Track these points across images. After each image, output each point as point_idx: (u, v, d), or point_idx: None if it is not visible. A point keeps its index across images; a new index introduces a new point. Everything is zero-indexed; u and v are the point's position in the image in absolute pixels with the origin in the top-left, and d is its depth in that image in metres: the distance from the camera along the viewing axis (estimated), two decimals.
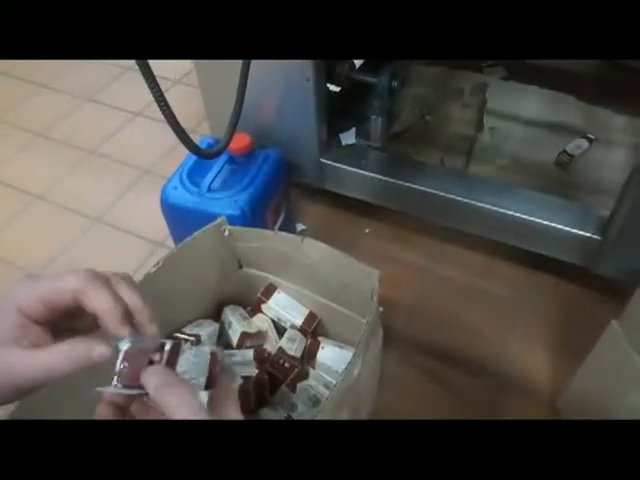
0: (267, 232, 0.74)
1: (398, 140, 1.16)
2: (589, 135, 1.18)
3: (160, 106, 0.63)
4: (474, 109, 1.27)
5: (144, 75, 0.59)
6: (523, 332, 0.98)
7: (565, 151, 1.15)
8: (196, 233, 0.69)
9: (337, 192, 1.07)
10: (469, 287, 1.05)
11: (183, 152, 0.79)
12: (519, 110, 1.27)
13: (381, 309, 1.02)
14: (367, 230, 1.15)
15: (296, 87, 0.91)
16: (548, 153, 1.16)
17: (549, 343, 0.95)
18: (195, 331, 0.72)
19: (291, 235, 0.72)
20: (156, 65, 1.72)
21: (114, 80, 1.57)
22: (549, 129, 1.23)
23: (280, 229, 1.01)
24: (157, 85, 0.62)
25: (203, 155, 0.72)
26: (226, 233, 0.73)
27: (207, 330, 0.74)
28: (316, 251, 0.71)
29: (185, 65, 1.52)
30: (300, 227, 1.16)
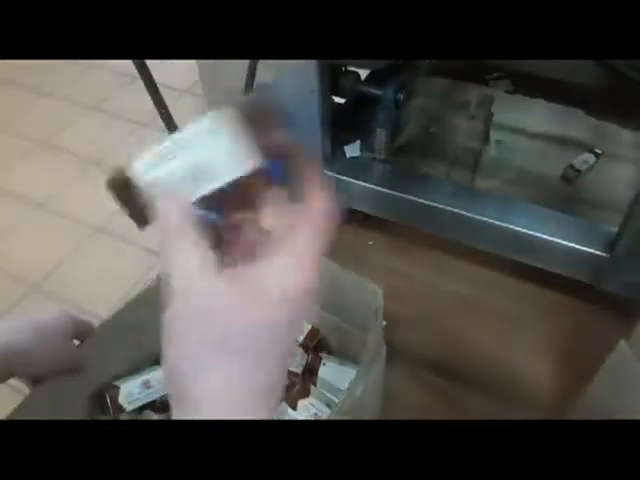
0: None
1: (404, 152, 1.15)
2: (596, 150, 1.17)
3: (160, 114, 0.63)
4: (480, 122, 1.26)
5: (145, 84, 0.58)
6: (527, 347, 0.96)
7: (572, 165, 1.14)
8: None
9: (341, 205, 1.05)
10: (473, 301, 1.03)
11: None
12: (525, 123, 1.26)
13: (384, 323, 1.02)
14: (371, 242, 1.14)
15: (301, 99, 0.90)
16: (554, 167, 1.15)
17: (554, 359, 0.94)
18: None
19: None
20: (163, 75, 1.74)
21: (119, 89, 1.57)
22: (556, 143, 1.22)
23: None
24: (158, 93, 0.61)
25: None
26: None
27: None
28: (320, 267, 0.70)
29: (192, 75, 1.52)
30: None
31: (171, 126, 0.60)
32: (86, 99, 1.54)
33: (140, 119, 1.43)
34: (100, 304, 0.96)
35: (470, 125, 1.26)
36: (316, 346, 0.79)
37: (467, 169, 1.16)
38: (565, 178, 1.13)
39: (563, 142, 1.22)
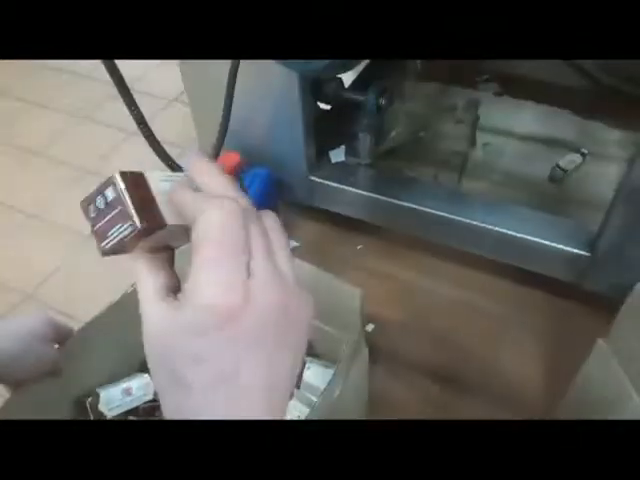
0: None
1: (392, 156, 1.16)
2: (582, 150, 1.18)
3: (138, 124, 0.63)
4: (467, 125, 1.28)
5: (116, 84, 0.58)
6: (515, 348, 0.97)
7: (558, 166, 1.15)
8: None
9: (328, 209, 1.07)
10: (461, 303, 1.04)
11: None
12: (513, 125, 1.27)
13: (372, 326, 1.02)
14: (360, 246, 1.15)
15: (284, 105, 0.91)
16: (541, 168, 1.16)
17: (541, 359, 0.94)
18: None
19: None
20: (152, 84, 1.75)
21: (110, 99, 1.58)
22: (542, 144, 1.23)
23: None
24: (134, 103, 0.62)
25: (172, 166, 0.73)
26: None
27: None
28: (301, 271, 0.71)
29: (181, 84, 1.54)
30: (293, 244, 1.15)
31: (146, 133, 0.60)
32: (80, 109, 1.56)
33: (132, 128, 1.45)
34: (92, 312, 0.97)
35: (457, 128, 1.27)
36: None
37: (454, 172, 1.17)
38: (552, 178, 1.14)
39: (550, 143, 1.22)
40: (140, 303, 0.30)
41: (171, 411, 0.28)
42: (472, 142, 1.23)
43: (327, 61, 0.37)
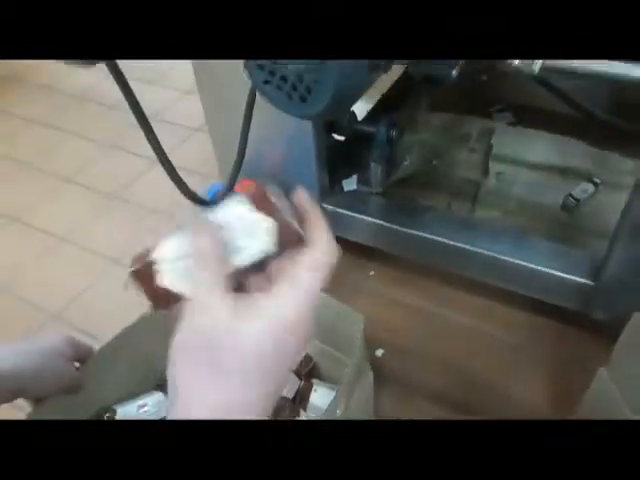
0: None
1: (406, 184, 1.19)
2: (595, 179, 1.19)
3: (155, 150, 0.68)
4: (481, 154, 1.30)
5: (130, 106, 0.63)
6: (525, 377, 0.97)
7: (571, 195, 1.16)
8: None
9: (340, 236, 1.10)
10: (472, 331, 1.05)
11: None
12: (526, 155, 1.29)
13: (381, 352, 1.04)
14: (372, 272, 1.17)
15: (298, 137, 0.96)
16: (554, 197, 1.17)
17: (551, 387, 0.95)
18: None
19: None
20: (177, 114, 1.82)
21: (136, 128, 1.66)
22: (555, 173, 1.24)
23: None
24: (151, 130, 0.66)
25: (200, 202, 0.77)
26: None
27: None
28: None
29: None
30: None
31: (164, 161, 0.65)
32: (107, 138, 1.64)
33: (154, 155, 1.51)
34: (114, 333, 1.01)
35: (471, 157, 1.30)
36: (309, 373, 0.82)
37: (468, 200, 1.19)
38: (565, 207, 1.15)
39: (563, 172, 1.24)
40: (192, 307, 0.33)
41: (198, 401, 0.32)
42: (485, 171, 1.25)
43: (322, 106, 0.40)
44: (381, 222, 1.01)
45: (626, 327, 0.62)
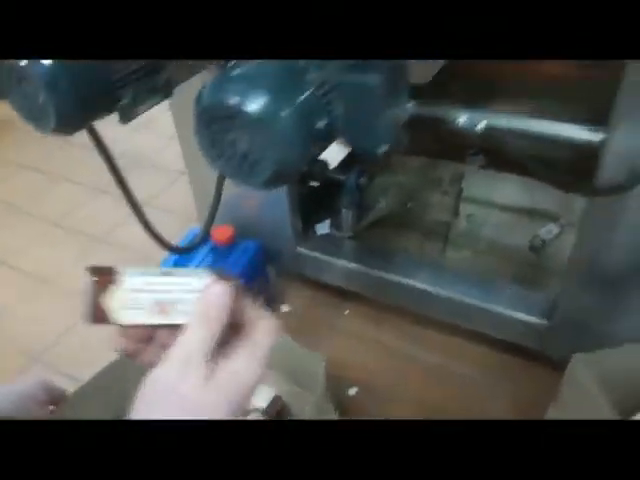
0: None
1: (381, 226, 1.24)
2: (561, 220, 1.25)
3: (129, 202, 0.72)
4: (452, 196, 1.36)
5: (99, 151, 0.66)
6: (496, 415, 1.00)
7: (538, 236, 1.21)
8: None
9: (315, 278, 1.14)
10: (444, 370, 1.08)
11: None
12: (495, 197, 1.35)
13: (355, 390, 1.07)
14: (347, 312, 1.21)
15: None
16: (522, 238, 1.22)
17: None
18: None
19: None
20: (164, 158, 1.87)
21: (124, 173, 1.71)
22: (524, 214, 1.30)
23: None
24: (125, 184, 0.71)
25: (173, 251, 0.81)
26: None
27: None
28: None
29: None
30: (285, 308, 1.22)
31: (126, 192, 0.69)
32: (94, 181, 1.69)
33: (141, 198, 1.56)
34: None
35: (443, 200, 1.36)
36: (279, 412, 0.85)
37: (439, 241, 1.24)
38: (532, 248, 1.20)
39: (531, 214, 1.29)
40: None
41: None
42: (456, 213, 1.31)
43: (265, 179, 0.45)
44: (352, 265, 1.06)
45: (567, 367, 0.65)
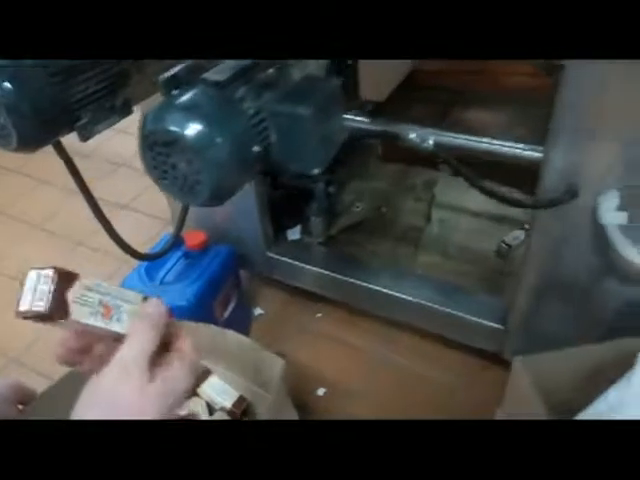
0: (197, 325, 0.85)
1: (355, 230, 1.27)
2: (526, 226, 1.28)
3: (95, 214, 0.75)
4: (425, 203, 1.39)
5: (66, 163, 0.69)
6: (455, 415, 1.03)
7: (504, 241, 1.25)
8: None
9: (286, 282, 1.17)
10: (411, 372, 1.12)
11: None
12: (466, 203, 1.38)
13: (323, 390, 1.11)
14: (319, 314, 1.24)
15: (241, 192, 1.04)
16: (490, 243, 1.26)
17: None
18: None
19: (216, 328, 0.83)
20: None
21: (107, 176, 1.74)
22: (492, 220, 1.33)
23: (232, 316, 1.11)
24: (91, 196, 0.74)
25: (142, 258, 0.84)
26: None
27: None
28: (237, 342, 0.82)
29: None
30: (258, 311, 1.26)
31: (97, 213, 0.72)
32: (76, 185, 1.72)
33: (120, 201, 1.59)
34: None
35: (416, 206, 1.39)
36: (244, 412, 0.88)
37: (411, 245, 1.28)
38: (499, 253, 1.24)
39: (499, 220, 1.33)
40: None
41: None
42: (428, 218, 1.35)
43: (204, 199, 0.48)
44: (323, 271, 1.09)
45: (511, 372, 0.69)
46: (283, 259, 1.12)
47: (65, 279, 0.42)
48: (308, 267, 1.11)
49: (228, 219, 1.11)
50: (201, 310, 1.01)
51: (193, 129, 0.44)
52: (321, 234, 1.13)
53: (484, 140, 0.73)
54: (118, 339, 0.42)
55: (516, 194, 1.38)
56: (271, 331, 1.22)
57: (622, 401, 0.59)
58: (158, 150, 0.47)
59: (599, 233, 0.69)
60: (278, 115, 0.47)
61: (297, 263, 1.11)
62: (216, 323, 1.05)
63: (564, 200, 0.67)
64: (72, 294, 0.42)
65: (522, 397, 0.68)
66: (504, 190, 0.99)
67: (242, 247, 1.12)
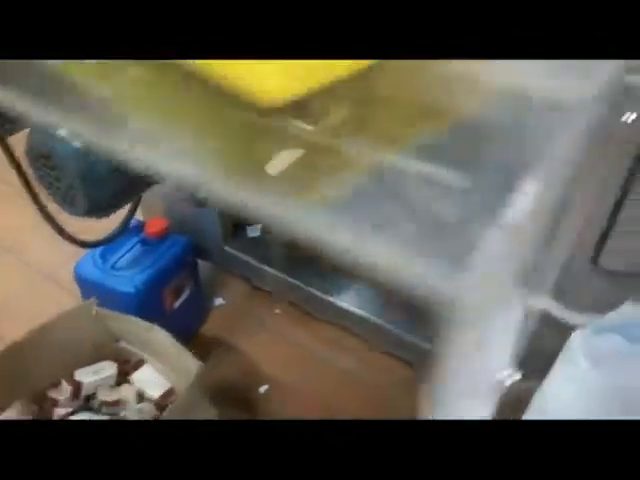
0: (131, 319, 0.87)
1: None
2: None
3: (34, 200, 0.76)
4: None
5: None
6: (386, 414, 1.04)
7: None
8: (62, 312, 0.83)
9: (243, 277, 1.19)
10: (355, 376, 1.13)
11: None
12: None
13: (265, 387, 1.12)
14: (277, 310, 1.26)
15: None
16: None
17: None
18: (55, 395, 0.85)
19: (147, 324, 0.85)
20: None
21: None
22: None
23: (184, 306, 1.13)
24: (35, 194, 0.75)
25: (83, 245, 0.86)
26: (94, 313, 0.87)
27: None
28: (163, 338, 0.84)
29: None
30: (219, 301, 1.28)
31: (34, 197, 0.72)
32: None
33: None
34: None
35: None
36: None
37: None
38: None
39: None
40: None
41: None
42: None
43: (84, 211, 0.49)
44: (277, 272, 1.10)
45: None
46: (241, 256, 1.13)
47: None
48: (263, 266, 1.12)
49: (190, 209, 1.12)
50: (149, 298, 1.03)
51: (64, 145, 0.45)
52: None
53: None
54: None
55: None
56: (229, 323, 1.24)
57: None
58: (42, 162, 0.48)
59: None
60: None
61: (255, 261, 1.12)
62: (165, 312, 1.07)
63: None
64: None
65: None
66: None
67: (201, 239, 1.14)
